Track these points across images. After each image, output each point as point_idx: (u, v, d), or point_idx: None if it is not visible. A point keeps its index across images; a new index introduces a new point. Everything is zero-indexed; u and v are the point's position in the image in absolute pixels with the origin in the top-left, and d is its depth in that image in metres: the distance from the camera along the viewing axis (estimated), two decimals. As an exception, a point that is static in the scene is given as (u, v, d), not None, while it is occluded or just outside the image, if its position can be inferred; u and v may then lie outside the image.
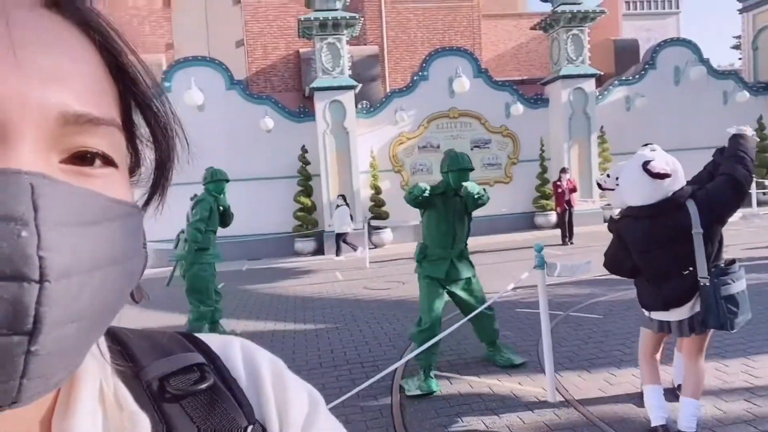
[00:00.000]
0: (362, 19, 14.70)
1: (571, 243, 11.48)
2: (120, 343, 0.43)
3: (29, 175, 0.28)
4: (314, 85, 13.07)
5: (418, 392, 3.98)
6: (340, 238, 12.30)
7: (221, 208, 5.55)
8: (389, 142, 14.04)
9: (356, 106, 13.44)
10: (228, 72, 13.38)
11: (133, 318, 6.70)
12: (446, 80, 14.04)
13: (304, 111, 13.65)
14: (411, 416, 3.65)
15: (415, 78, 14.28)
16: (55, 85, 0.31)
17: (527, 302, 6.40)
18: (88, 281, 0.30)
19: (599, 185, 3.20)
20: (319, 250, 12.88)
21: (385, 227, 13.45)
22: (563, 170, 12.12)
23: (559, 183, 11.89)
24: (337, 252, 12.29)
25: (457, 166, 4.16)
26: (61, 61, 0.32)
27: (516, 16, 21.53)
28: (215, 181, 5.47)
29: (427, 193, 4.16)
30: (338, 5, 12.95)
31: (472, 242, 4.78)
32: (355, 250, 12.20)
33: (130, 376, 0.41)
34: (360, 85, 13.54)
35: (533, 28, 15.59)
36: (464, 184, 4.14)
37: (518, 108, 14.07)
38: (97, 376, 0.39)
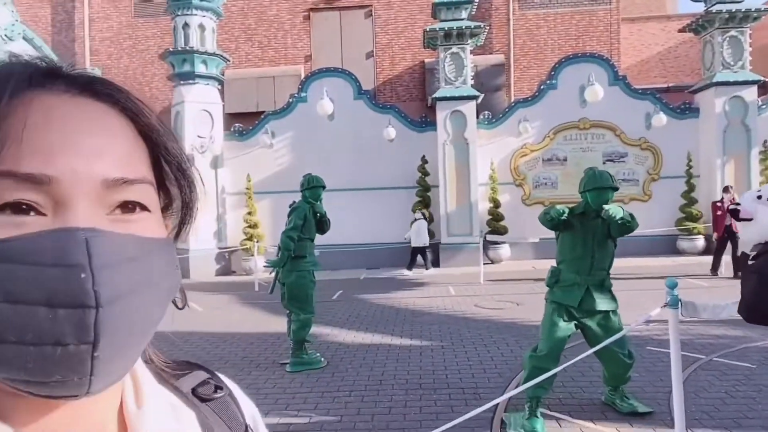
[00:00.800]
0: (488, 27, 14.34)
1: (740, 275, 9.51)
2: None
3: (83, 230, 0.39)
4: (436, 95, 12.99)
5: None
6: (417, 252, 12.05)
7: (318, 214, 5.43)
8: (511, 154, 13.46)
9: (478, 117, 13.12)
10: (357, 82, 13.77)
11: (237, 322, 6.97)
12: (577, 89, 13.12)
13: (425, 121, 13.63)
14: (511, 458, 3.33)
15: (542, 87, 13.55)
16: (97, 159, 0.41)
17: (661, 340, 5.61)
18: (130, 302, 0.40)
19: (734, 213, 2.57)
20: (434, 262, 12.71)
21: (503, 242, 12.88)
22: (726, 189, 10.36)
23: (720, 204, 10.12)
24: (409, 266, 12.06)
25: (594, 185, 3.73)
26: (100, 140, 0.42)
27: (663, 18, 19.58)
28: (311, 187, 5.36)
29: (564, 216, 3.76)
30: (464, 15, 12.78)
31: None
32: (426, 269, 12.00)
33: (171, 385, 0.54)
34: (482, 96, 13.18)
35: (682, 31, 14.01)
36: (606, 207, 3.68)
37: (661, 118, 12.68)
38: (152, 380, 0.51)
